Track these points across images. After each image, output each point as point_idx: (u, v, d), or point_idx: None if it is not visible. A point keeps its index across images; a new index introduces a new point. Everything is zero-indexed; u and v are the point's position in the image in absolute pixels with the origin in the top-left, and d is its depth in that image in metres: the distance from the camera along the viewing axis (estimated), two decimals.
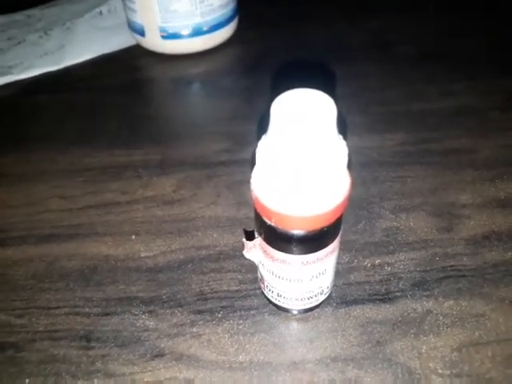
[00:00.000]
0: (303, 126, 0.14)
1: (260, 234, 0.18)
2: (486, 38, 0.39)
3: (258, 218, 0.18)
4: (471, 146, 0.29)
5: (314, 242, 0.17)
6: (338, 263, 0.22)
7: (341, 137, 0.16)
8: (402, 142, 0.30)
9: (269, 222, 0.17)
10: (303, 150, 0.15)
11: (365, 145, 0.29)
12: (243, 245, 0.20)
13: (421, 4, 0.45)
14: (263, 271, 0.20)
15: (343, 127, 0.29)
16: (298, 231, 0.17)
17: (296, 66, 0.36)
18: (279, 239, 0.17)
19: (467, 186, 0.27)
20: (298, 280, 0.19)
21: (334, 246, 0.18)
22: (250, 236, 0.20)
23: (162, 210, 0.26)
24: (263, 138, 0.16)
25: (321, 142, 0.15)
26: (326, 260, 0.18)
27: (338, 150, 0.15)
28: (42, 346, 0.21)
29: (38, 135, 0.32)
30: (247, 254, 0.20)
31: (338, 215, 0.17)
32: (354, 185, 0.25)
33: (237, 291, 0.22)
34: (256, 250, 0.19)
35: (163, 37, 0.38)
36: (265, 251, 0.18)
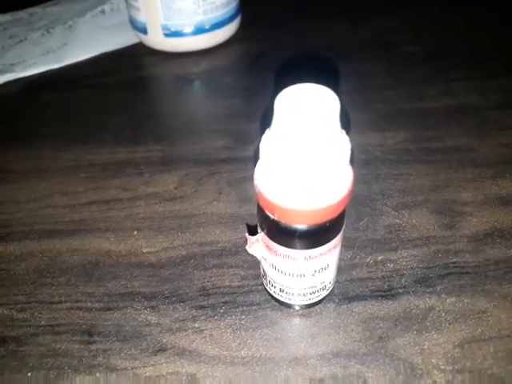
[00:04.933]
0: (306, 121, 0.14)
1: (263, 229, 0.18)
2: (487, 36, 0.39)
3: (261, 212, 0.18)
4: (472, 145, 0.29)
5: (317, 236, 0.17)
6: (340, 260, 0.22)
7: (343, 132, 0.16)
8: (403, 140, 0.30)
9: (272, 217, 0.17)
10: (306, 145, 0.15)
11: (367, 142, 0.29)
12: (246, 240, 0.20)
13: (420, 5, 0.45)
14: (266, 266, 0.20)
15: (347, 123, 0.30)
16: (301, 226, 0.17)
17: (298, 65, 0.36)
18: (282, 234, 0.17)
19: (468, 184, 0.27)
20: (301, 275, 0.19)
21: (336, 241, 0.18)
22: (252, 231, 0.20)
23: (164, 207, 0.26)
24: (267, 131, 0.16)
25: (324, 137, 0.15)
26: (329, 255, 0.18)
27: (341, 144, 0.16)
28: (44, 340, 0.21)
29: (41, 132, 0.32)
30: (250, 249, 0.20)
31: (340, 209, 0.17)
32: (356, 182, 0.25)
33: (239, 287, 0.22)
34: (258, 245, 0.19)
35: (166, 35, 0.38)
36: (267, 246, 0.18)
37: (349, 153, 0.16)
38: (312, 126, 0.14)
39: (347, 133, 0.16)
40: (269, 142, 0.16)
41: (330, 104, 0.15)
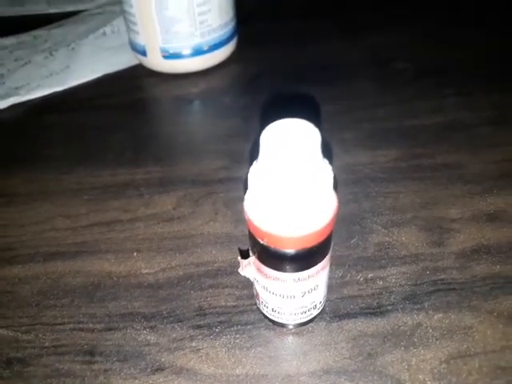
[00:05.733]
0: (291, 153, 0.15)
1: (254, 253, 0.19)
2: (478, 52, 0.40)
3: (252, 238, 0.18)
4: (461, 162, 0.30)
5: (304, 260, 0.18)
6: (331, 278, 0.23)
7: (326, 161, 0.17)
8: (393, 157, 0.31)
9: (261, 242, 0.18)
10: (291, 175, 0.16)
11: (357, 161, 0.30)
12: (239, 263, 0.21)
13: (414, 22, 0.46)
14: (258, 287, 0.21)
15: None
16: (289, 250, 0.18)
17: (293, 85, 0.38)
18: (272, 258, 0.18)
19: (457, 200, 0.27)
20: (291, 296, 0.20)
21: (324, 263, 0.19)
22: (244, 254, 0.21)
23: (163, 228, 0.27)
24: (254, 163, 0.17)
25: (307, 167, 0.16)
26: (318, 276, 0.19)
27: (324, 173, 0.16)
28: (48, 360, 0.21)
29: (45, 155, 0.34)
30: (242, 271, 0.21)
31: (326, 234, 0.18)
32: (346, 200, 0.26)
33: (234, 307, 0.23)
34: (250, 268, 0.20)
35: (164, 57, 0.39)
36: (258, 269, 0.19)
37: (332, 180, 0.17)
38: (296, 159, 0.15)
39: (330, 158, 0.17)
40: (257, 174, 0.17)
41: (311, 137, 0.16)
